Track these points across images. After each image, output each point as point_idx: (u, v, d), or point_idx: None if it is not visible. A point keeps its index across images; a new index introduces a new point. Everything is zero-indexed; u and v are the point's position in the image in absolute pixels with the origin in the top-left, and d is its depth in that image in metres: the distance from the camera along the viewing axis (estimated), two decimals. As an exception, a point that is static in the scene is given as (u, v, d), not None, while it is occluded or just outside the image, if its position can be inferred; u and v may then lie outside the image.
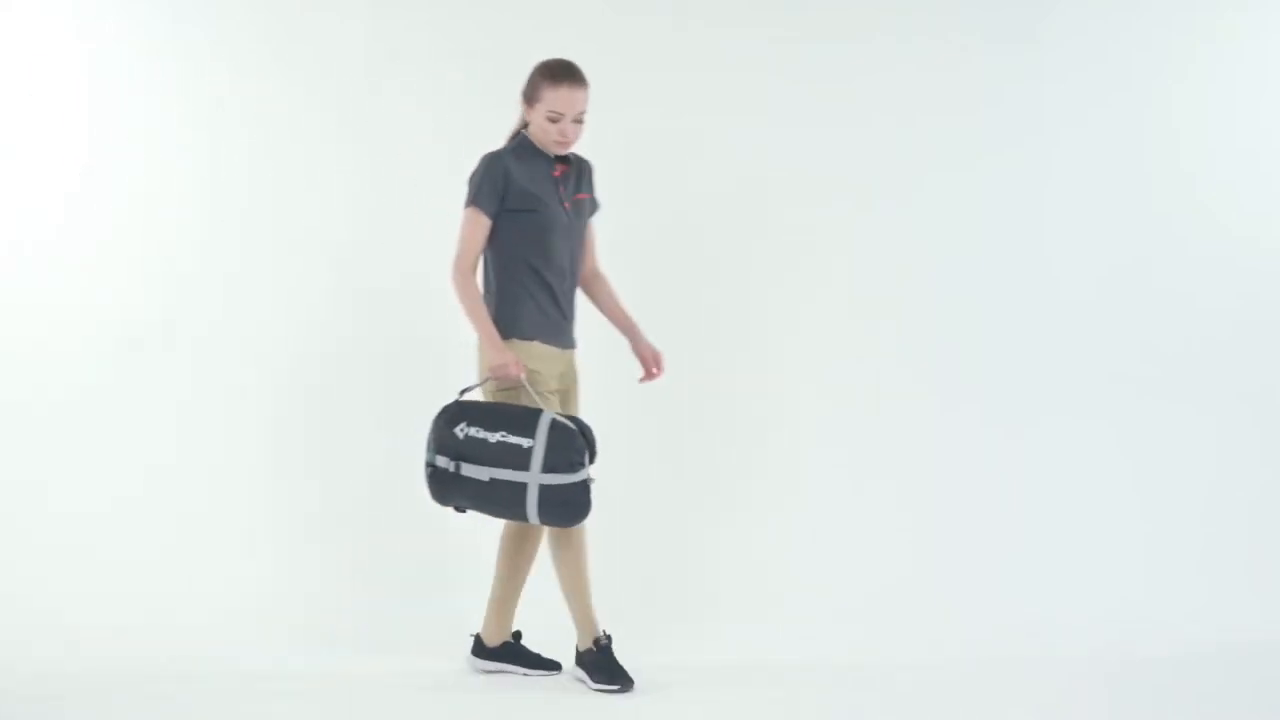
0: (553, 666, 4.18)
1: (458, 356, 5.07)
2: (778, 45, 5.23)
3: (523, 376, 3.97)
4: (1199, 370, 5.24)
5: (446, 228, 5.06)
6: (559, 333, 4.11)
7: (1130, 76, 5.29)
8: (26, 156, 5.08)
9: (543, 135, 4.06)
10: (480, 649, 4.22)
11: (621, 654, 4.05)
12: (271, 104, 5.14)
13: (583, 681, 4.05)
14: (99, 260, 5.09)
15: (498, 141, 4.11)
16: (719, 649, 4.39)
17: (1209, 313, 5.28)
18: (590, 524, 4.00)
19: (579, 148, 4.15)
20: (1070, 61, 5.29)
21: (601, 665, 4.03)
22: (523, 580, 4.18)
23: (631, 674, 4.00)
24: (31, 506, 4.92)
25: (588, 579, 4.06)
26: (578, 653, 4.09)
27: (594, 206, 4.24)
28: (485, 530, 4.90)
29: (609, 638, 4.06)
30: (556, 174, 4.11)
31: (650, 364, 4.23)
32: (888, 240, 5.25)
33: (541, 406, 3.95)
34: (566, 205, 4.11)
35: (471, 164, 4.04)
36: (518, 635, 4.21)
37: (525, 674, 4.17)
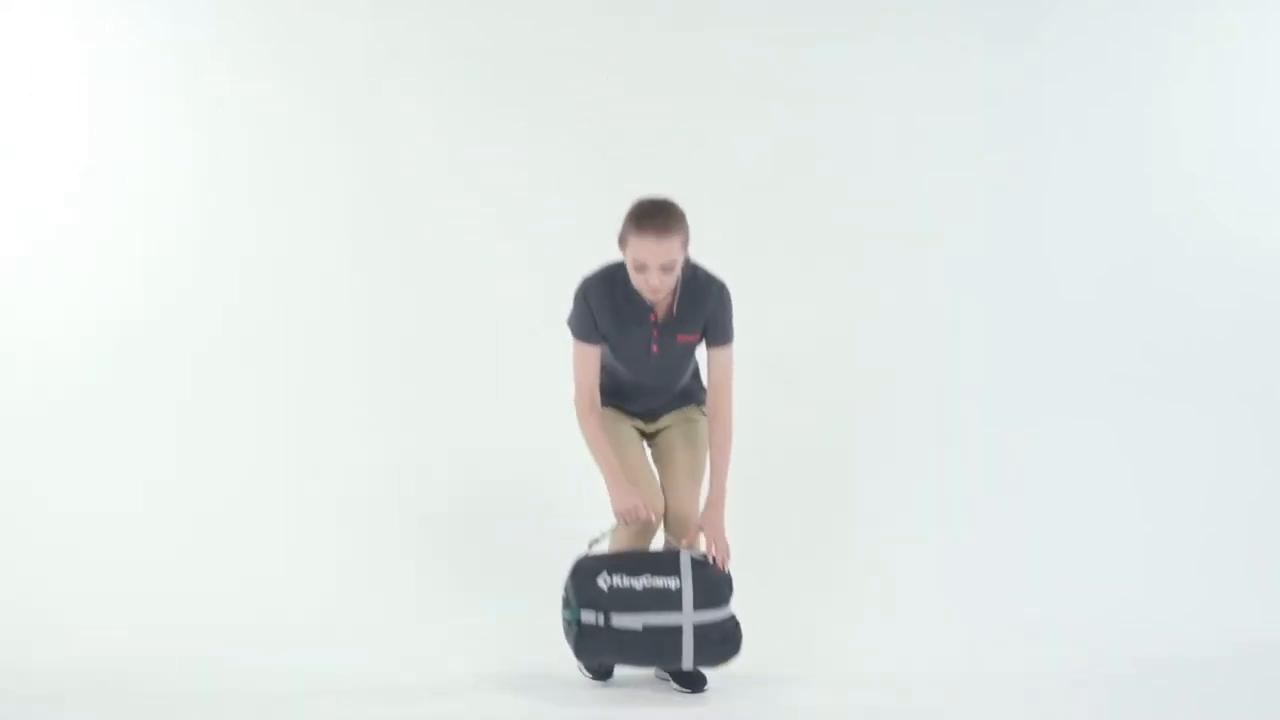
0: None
1: (459, 355, 5.11)
2: (778, 46, 5.23)
3: (653, 518, 3.87)
4: (1199, 370, 5.24)
5: (446, 227, 5.10)
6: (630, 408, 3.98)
7: (1130, 76, 5.29)
8: (26, 156, 5.09)
9: (633, 280, 3.77)
10: None
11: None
12: (271, 104, 5.14)
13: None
14: (99, 260, 5.09)
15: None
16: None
17: (1209, 313, 5.27)
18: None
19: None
20: (1070, 61, 5.29)
21: None
22: None
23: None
24: (31, 506, 4.91)
25: None
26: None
27: (725, 337, 3.91)
28: (488, 531, 4.92)
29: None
30: (653, 318, 3.85)
31: (708, 548, 3.87)
32: (887, 240, 5.24)
33: (681, 548, 3.82)
34: (655, 349, 3.88)
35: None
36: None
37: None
